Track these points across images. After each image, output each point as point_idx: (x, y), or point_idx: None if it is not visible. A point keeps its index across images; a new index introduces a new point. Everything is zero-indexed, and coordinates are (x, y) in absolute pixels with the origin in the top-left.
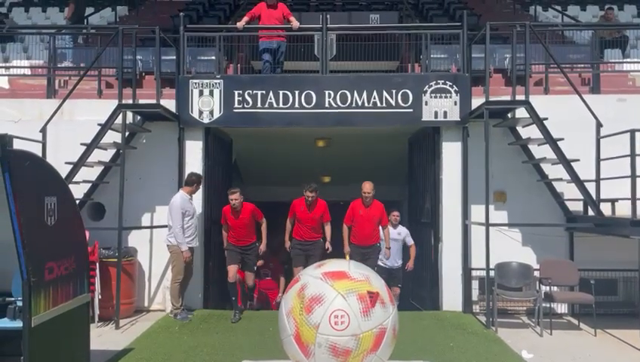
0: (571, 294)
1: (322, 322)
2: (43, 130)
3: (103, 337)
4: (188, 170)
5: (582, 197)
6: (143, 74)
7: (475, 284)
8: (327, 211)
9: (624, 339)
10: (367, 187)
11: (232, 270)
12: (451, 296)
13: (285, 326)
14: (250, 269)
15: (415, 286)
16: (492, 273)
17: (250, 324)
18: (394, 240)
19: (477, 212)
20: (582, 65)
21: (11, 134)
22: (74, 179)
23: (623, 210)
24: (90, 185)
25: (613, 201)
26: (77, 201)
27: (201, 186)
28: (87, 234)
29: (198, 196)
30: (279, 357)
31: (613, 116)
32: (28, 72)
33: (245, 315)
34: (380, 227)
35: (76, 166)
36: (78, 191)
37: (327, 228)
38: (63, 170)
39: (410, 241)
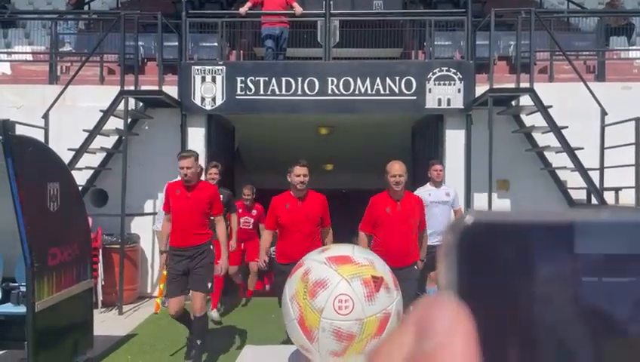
0: None
1: (326, 306)
2: (45, 116)
3: (106, 323)
4: None
5: (585, 186)
6: (145, 60)
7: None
8: (326, 211)
9: None
10: (398, 168)
11: (175, 304)
12: None
13: (289, 311)
14: (199, 287)
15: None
16: None
17: (256, 310)
18: (441, 204)
19: (480, 200)
20: (587, 53)
21: (14, 120)
22: (76, 166)
23: (627, 198)
24: (92, 171)
25: (616, 190)
26: (79, 188)
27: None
28: (89, 220)
29: None
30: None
31: (618, 104)
32: (30, 57)
33: (256, 301)
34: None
35: (79, 152)
36: (80, 177)
37: (328, 239)
38: (66, 157)
39: (457, 204)
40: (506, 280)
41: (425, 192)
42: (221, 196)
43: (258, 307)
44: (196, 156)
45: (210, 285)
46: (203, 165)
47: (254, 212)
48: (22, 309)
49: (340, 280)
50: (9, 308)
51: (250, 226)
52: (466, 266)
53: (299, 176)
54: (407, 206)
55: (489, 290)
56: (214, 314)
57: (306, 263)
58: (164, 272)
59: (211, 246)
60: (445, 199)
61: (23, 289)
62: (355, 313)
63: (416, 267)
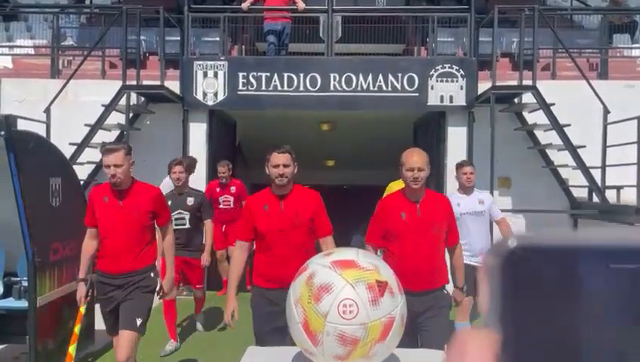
0: None
1: (331, 311)
2: (47, 111)
3: None
4: (192, 152)
5: (587, 184)
6: (147, 54)
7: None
8: (322, 213)
9: None
10: (417, 158)
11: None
12: None
13: (293, 315)
14: (125, 325)
15: None
16: None
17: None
18: (474, 215)
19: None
20: (590, 51)
21: (16, 114)
22: (78, 160)
23: (629, 197)
24: (94, 166)
25: (618, 188)
26: (81, 182)
27: (195, 170)
28: None
29: (201, 180)
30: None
31: (621, 102)
32: (32, 51)
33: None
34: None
35: (80, 147)
36: (82, 172)
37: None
38: (67, 151)
39: (497, 213)
40: (551, 306)
41: (453, 201)
42: (191, 199)
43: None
44: (127, 149)
45: (139, 322)
46: (205, 161)
47: (233, 189)
48: (23, 304)
49: (344, 285)
50: (10, 302)
51: (231, 205)
52: (510, 292)
53: (277, 166)
54: (429, 209)
55: (535, 316)
56: (169, 347)
57: (310, 267)
58: (82, 309)
59: (152, 274)
60: (479, 208)
61: (25, 283)
62: (360, 317)
63: (445, 292)
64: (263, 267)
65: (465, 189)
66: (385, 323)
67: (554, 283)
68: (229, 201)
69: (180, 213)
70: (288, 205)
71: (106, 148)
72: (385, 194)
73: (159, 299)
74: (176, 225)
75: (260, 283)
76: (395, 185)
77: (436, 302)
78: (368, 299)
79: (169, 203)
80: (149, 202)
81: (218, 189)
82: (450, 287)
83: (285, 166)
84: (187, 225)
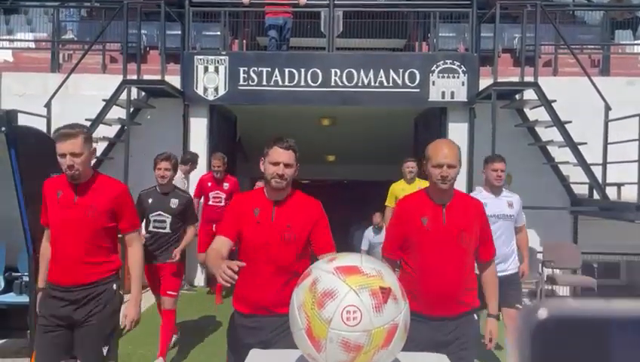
0: (573, 277)
1: (334, 317)
2: (48, 105)
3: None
4: (192, 147)
5: (588, 181)
6: (148, 49)
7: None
8: (325, 227)
9: None
10: (448, 152)
11: None
12: None
13: (297, 321)
14: (88, 353)
15: None
16: None
17: None
18: (502, 219)
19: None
20: (592, 47)
21: (16, 109)
22: None
23: (629, 194)
24: (94, 160)
25: (619, 185)
26: None
27: (198, 165)
28: None
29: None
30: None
31: (622, 99)
32: (32, 45)
33: None
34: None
35: None
36: None
37: None
38: None
39: (522, 219)
40: None
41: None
42: (175, 201)
43: None
44: (87, 135)
45: (106, 349)
46: (205, 157)
47: (226, 185)
48: (24, 299)
49: (348, 291)
50: (11, 297)
51: (222, 203)
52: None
53: (277, 164)
54: (458, 214)
55: None
56: None
57: (313, 272)
58: None
59: (115, 286)
60: (508, 212)
61: (26, 278)
62: (363, 324)
63: (475, 317)
64: (241, 286)
65: (493, 189)
66: (388, 330)
67: (584, 354)
68: (220, 198)
69: (160, 214)
70: (282, 214)
71: (59, 133)
72: (388, 198)
73: (123, 332)
74: (153, 227)
75: (239, 308)
76: (398, 187)
77: (464, 331)
78: (372, 306)
79: (149, 201)
80: (109, 200)
81: (210, 184)
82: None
83: (287, 166)
84: (167, 230)
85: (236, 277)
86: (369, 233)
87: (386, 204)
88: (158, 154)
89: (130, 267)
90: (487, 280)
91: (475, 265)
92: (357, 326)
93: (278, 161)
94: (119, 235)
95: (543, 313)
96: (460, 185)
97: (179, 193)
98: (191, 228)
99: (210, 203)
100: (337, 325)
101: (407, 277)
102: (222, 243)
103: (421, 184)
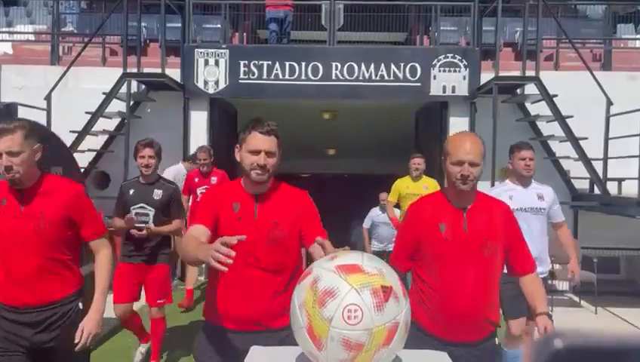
0: None
1: (335, 316)
2: (48, 98)
3: (109, 305)
4: (193, 141)
5: (588, 176)
6: (148, 41)
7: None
8: (315, 216)
9: (624, 317)
10: (470, 146)
11: None
12: None
13: (298, 319)
14: None
15: None
16: None
17: None
18: (531, 214)
19: (482, 188)
20: (594, 41)
21: (16, 102)
22: (79, 148)
23: (630, 189)
24: (94, 153)
25: (619, 181)
26: (82, 170)
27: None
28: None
29: None
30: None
31: (624, 94)
32: (32, 37)
33: None
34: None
35: (81, 134)
36: (82, 159)
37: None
38: (68, 139)
39: (559, 214)
40: None
41: (504, 193)
42: (159, 192)
43: None
44: (27, 130)
45: None
46: (205, 143)
47: (214, 179)
48: None
49: (349, 290)
50: None
51: None
52: None
53: (256, 153)
54: (482, 220)
55: None
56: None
57: (314, 271)
58: None
59: (80, 305)
60: (538, 205)
61: None
62: (364, 323)
63: (496, 341)
64: (221, 297)
65: (521, 179)
66: (389, 329)
67: None
68: None
69: (142, 207)
70: (266, 209)
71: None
72: (391, 193)
73: (75, 348)
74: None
75: (213, 319)
76: (402, 183)
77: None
78: (373, 305)
79: (130, 193)
80: (61, 206)
81: (197, 179)
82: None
83: (269, 154)
84: (150, 224)
85: (234, 254)
86: (374, 212)
87: (388, 198)
88: (139, 141)
89: (97, 275)
90: (530, 283)
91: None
92: (358, 325)
93: (258, 148)
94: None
95: (558, 343)
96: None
97: (163, 183)
98: (177, 220)
99: (199, 199)
100: (338, 324)
101: (421, 294)
102: (199, 232)
103: (427, 182)
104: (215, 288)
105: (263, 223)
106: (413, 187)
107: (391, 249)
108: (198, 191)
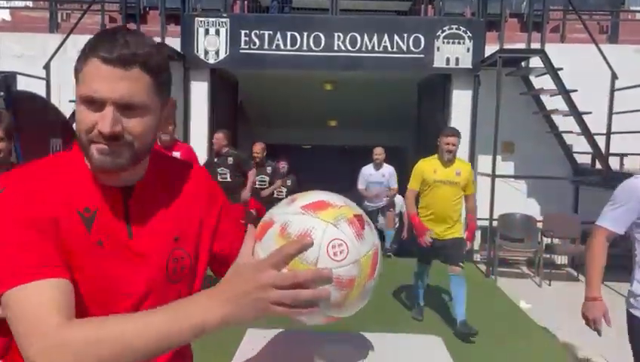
0: (572, 247)
1: (320, 256)
2: (47, 67)
3: None
4: (193, 111)
5: (591, 151)
6: (147, 9)
7: (476, 234)
8: (235, 211)
9: (621, 292)
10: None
11: None
12: None
13: None
14: None
15: None
16: (495, 223)
17: None
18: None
19: (484, 162)
20: (601, 12)
21: (14, 70)
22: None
23: (633, 164)
24: None
25: (622, 156)
26: None
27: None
28: None
29: (203, 137)
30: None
31: (630, 68)
32: (30, 4)
33: None
34: None
35: None
36: None
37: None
38: (67, 109)
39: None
40: None
41: None
42: None
43: None
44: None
45: None
46: (206, 121)
47: (177, 155)
48: None
49: (326, 226)
50: None
51: None
52: None
53: (96, 104)
54: None
55: None
56: None
57: (277, 218)
58: None
59: None
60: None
61: None
62: (352, 255)
63: None
64: None
65: None
66: (372, 256)
67: None
68: None
69: None
70: (148, 216)
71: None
72: (413, 179)
73: None
74: None
75: None
76: (428, 167)
77: None
78: (354, 234)
79: None
80: None
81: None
82: None
83: (127, 108)
84: None
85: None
86: (366, 170)
87: (409, 186)
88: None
89: None
90: None
91: None
92: (346, 259)
93: (98, 96)
94: None
95: None
96: (464, 147)
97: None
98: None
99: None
100: (326, 263)
101: None
102: (60, 299)
103: (461, 166)
104: None
105: (151, 245)
106: (443, 173)
107: (382, 206)
108: None
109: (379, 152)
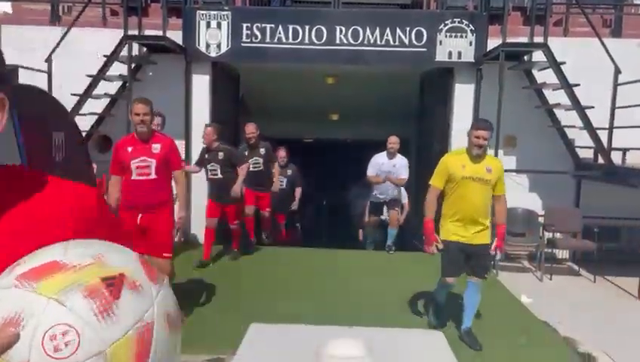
0: (573, 241)
1: (32, 354)
2: (48, 60)
3: None
4: (195, 105)
5: (593, 145)
6: (149, 2)
7: None
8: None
9: (622, 286)
10: None
11: None
12: None
13: None
14: None
15: (420, 227)
16: None
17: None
18: None
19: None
20: (604, 6)
21: (16, 64)
22: (80, 111)
23: (635, 159)
24: (96, 117)
25: (624, 150)
26: (83, 134)
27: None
28: (94, 167)
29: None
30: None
31: (633, 62)
32: None
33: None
34: None
35: (82, 98)
36: (84, 123)
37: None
38: (69, 102)
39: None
40: None
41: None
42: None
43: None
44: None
45: None
46: (207, 115)
47: (157, 148)
48: None
49: (45, 305)
50: None
51: (152, 174)
52: None
53: None
54: None
55: None
56: None
57: None
58: None
59: None
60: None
61: None
62: (87, 346)
63: None
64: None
65: None
66: (137, 337)
67: None
68: (149, 165)
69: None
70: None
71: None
72: (436, 175)
73: None
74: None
75: None
76: (456, 162)
77: None
78: (93, 312)
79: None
80: None
81: (130, 149)
82: None
83: None
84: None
85: None
86: (380, 158)
87: (430, 182)
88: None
89: None
90: None
91: None
92: (76, 354)
93: None
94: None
95: None
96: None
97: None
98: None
99: (134, 177)
100: None
101: None
102: None
103: (492, 163)
104: None
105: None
106: (473, 169)
107: (389, 199)
108: (133, 164)
109: (393, 141)
